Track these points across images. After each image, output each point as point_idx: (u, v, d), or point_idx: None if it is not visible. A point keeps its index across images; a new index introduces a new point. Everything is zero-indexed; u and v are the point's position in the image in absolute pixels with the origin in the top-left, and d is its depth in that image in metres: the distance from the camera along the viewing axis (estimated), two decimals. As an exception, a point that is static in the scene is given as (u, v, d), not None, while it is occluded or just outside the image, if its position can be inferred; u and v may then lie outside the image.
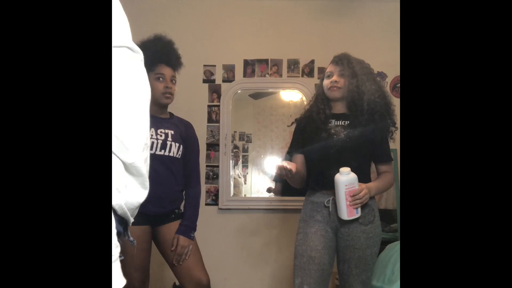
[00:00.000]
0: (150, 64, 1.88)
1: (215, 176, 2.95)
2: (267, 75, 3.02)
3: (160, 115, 1.95)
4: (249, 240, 2.93)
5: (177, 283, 2.14)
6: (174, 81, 1.95)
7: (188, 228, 1.92)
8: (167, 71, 1.92)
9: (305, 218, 1.83)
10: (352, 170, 1.68)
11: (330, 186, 1.74)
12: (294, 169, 1.70)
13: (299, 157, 1.92)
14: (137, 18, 2.67)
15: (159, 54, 1.91)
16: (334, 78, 1.84)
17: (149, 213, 1.83)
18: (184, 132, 1.98)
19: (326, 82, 1.87)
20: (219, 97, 2.99)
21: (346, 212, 1.68)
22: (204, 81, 3.02)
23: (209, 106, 2.99)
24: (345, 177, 1.66)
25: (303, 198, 1.93)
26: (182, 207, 2.00)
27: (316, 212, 1.81)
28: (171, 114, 2.03)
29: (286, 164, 1.69)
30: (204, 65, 3.02)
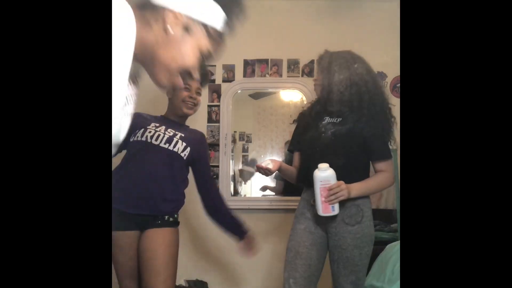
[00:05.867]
0: None
1: (215, 176, 2.95)
2: (267, 75, 3.01)
3: (176, 119, 2.00)
4: (249, 240, 2.93)
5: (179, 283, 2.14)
6: (199, 93, 2.00)
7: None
8: (193, 83, 1.95)
9: (297, 215, 1.87)
10: (338, 168, 1.67)
11: None
12: (274, 168, 1.73)
13: (297, 154, 1.95)
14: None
15: None
16: (315, 76, 1.87)
17: (135, 212, 1.78)
18: (197, 143, 1.98)
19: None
20: (219, 97, 2.99)
21: (321, 207, 1.68)
22: (204, 81, 3.02)
23: (209, 106, 2.99)
24: (321, 173, 1.66)
25: (303, 197, 1.94)
26: (175, 216, 1.89)
27: (306, 209, 1.83)
28: (186, 125, 2.06)
29: (267, 163, 1.74)
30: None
